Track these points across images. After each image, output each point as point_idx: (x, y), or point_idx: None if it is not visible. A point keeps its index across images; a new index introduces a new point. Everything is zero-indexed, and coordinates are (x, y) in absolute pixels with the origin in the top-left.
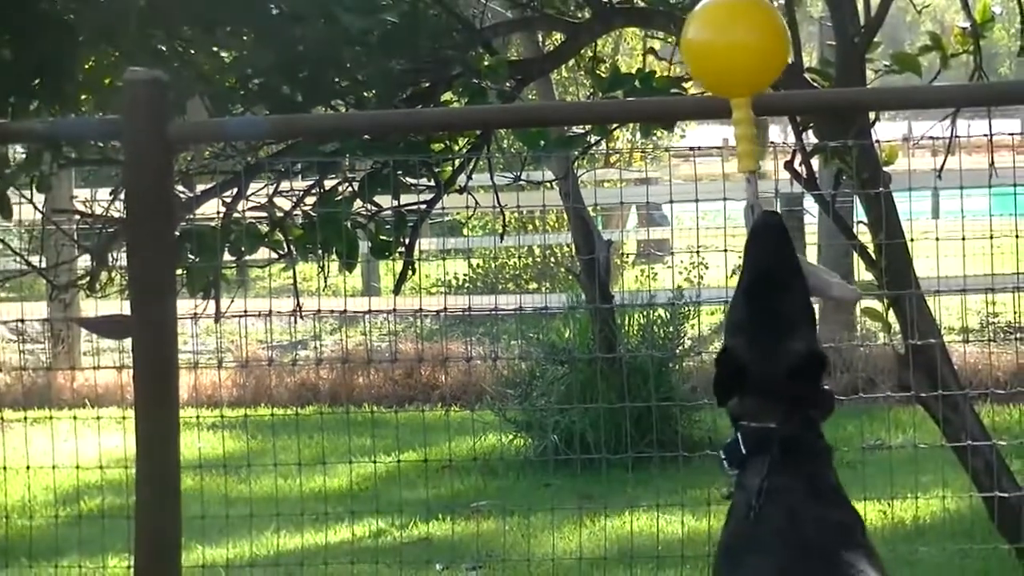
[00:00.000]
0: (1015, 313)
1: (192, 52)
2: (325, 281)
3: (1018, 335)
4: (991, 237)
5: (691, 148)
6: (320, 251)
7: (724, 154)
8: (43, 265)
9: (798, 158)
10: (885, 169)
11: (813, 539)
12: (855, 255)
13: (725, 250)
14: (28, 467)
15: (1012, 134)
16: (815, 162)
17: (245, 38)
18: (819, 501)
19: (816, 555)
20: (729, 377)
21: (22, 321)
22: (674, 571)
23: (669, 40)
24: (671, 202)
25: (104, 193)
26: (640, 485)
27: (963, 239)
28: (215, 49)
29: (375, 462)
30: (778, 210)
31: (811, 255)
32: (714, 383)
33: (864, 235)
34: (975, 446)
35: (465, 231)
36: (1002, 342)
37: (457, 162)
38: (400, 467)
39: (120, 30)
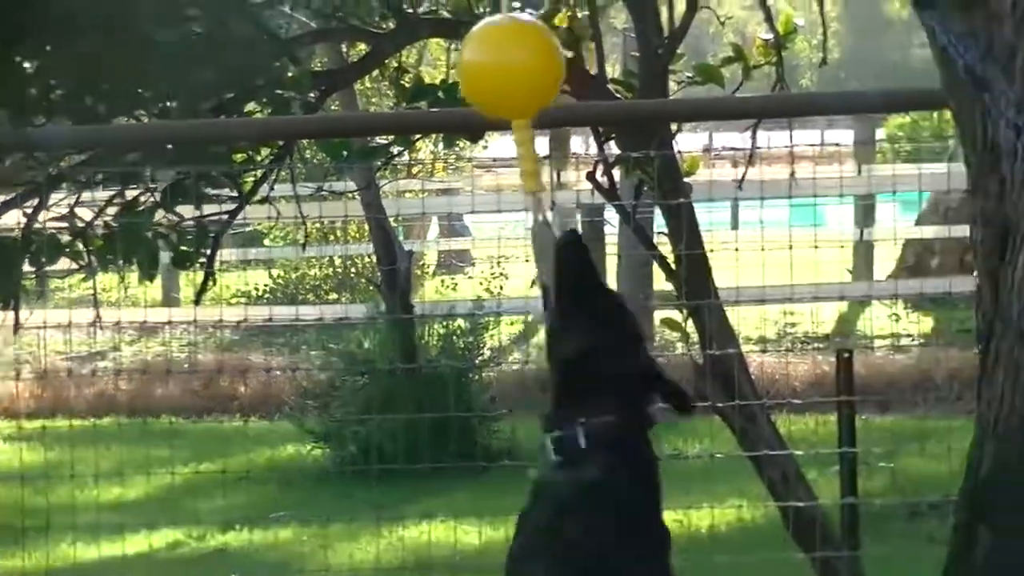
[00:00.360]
0: (812, 323)
1: None
2: (125, 292)
3: (815, 345)
4: (790, 247)
5: (493, 159)
6: (121, 262)
7: None
8: None
9: (600, 169)
10: (686, 180)
11: (608, 550)
12: (655, 265)
13: (527, 260)
14: None
15: (812, 145)
16: (616, 173)
17: (48, 48)
18: (630, 512)
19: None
20: (563, 383)
21: None
22: None
23: None
24: (473, 212)
25: None
26: (439, 495)
27: (763, 249)
28: (17, 60)
29: (173, 473)
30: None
31: (611, 266)
32: (552, 387)
33: (664, 245)
34: (771, 456)
35: (267, 241)
36: (799, 352)
37: (259, 173)
38: (198, 478)
39: None
